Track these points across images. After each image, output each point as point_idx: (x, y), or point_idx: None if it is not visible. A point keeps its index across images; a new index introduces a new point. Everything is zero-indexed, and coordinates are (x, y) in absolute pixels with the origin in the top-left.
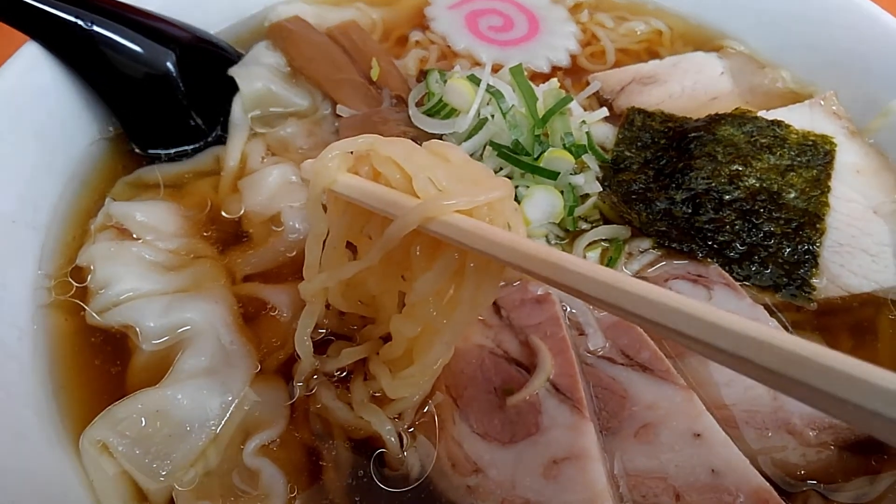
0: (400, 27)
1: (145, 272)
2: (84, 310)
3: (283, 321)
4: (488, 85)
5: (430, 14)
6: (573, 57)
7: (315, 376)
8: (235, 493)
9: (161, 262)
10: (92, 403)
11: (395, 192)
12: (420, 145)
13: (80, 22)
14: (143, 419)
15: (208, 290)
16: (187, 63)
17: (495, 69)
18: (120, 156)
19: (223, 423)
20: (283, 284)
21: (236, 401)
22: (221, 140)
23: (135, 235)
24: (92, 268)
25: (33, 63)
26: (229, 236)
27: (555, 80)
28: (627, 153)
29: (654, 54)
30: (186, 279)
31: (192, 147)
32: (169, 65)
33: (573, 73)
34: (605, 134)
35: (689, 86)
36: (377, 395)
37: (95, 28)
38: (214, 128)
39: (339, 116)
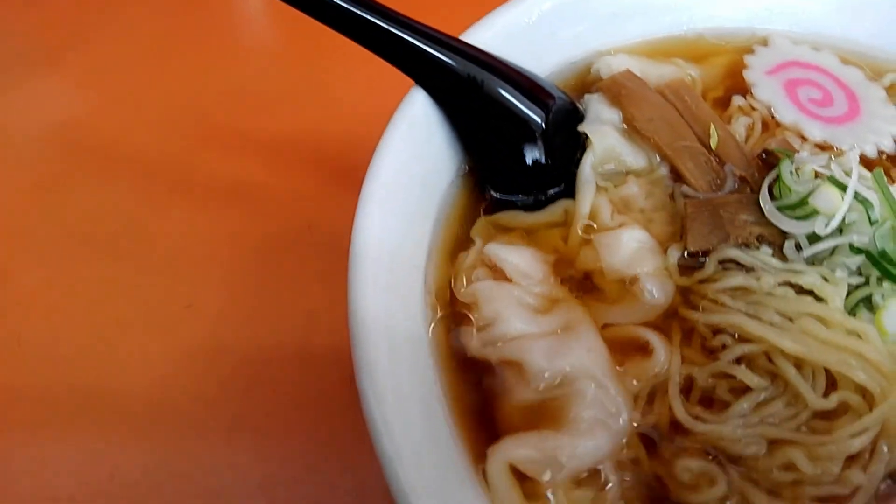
0: (715, 88)
1: (525, 314)
2: (468, 342)
3: (653, 369)
4: (856, 192)
5: (749, 79)
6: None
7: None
8: None
9: (533, 306)
10: (485, 433)
11: None
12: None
13: (475, 77)
14: (543, 458)
15: (581, 334)
16: (551, 120)
17: (824, 148)
18: (468, 195)
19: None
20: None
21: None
22: (565, 193)
23: (508, 276)
24: (477, 305)
25: (419, 108)
26: (579, 285)
27: None
28: None
29: None
30: (557, 322)
31: (535, 197)
32: (540, 122)
33: (894, 161)
34: None
35: None
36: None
37: (485, 84)
38: (559, 180)
39: (686, 196)
